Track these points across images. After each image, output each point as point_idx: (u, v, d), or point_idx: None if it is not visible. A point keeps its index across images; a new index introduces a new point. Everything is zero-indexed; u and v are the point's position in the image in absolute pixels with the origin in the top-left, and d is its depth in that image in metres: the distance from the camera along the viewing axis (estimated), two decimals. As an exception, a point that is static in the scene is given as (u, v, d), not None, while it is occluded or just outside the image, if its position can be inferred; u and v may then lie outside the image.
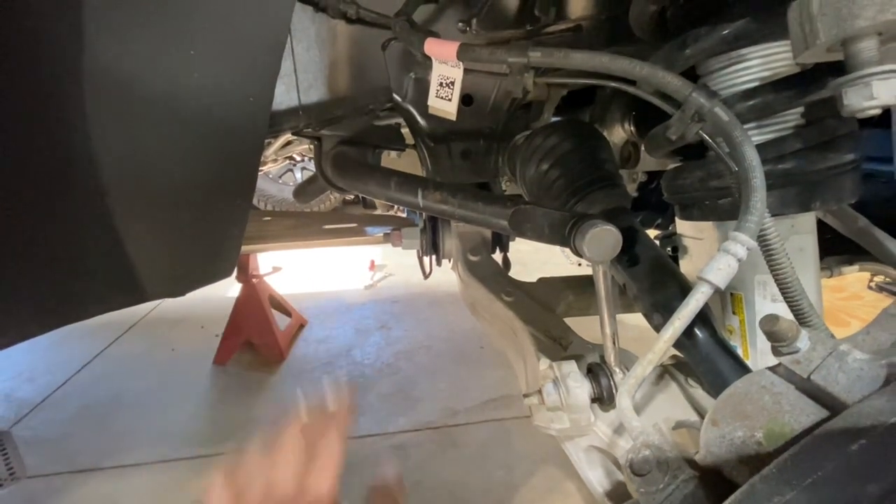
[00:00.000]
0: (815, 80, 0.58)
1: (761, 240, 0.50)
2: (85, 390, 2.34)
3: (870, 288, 2.91)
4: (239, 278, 2.56)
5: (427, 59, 0.75)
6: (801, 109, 0.64)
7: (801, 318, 0.51)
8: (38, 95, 0.56)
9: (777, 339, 0.35)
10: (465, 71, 0.68)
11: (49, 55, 0.55)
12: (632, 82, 0.59)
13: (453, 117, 0.73)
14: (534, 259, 3.70)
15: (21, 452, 1.85)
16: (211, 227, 0.78)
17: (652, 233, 1.43)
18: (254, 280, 2.58)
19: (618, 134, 1.12)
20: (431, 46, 0.67)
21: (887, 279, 2.81)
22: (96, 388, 2.34)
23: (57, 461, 1.84)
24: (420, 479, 1.72)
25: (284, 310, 2.86)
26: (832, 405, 0.31)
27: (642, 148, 1.15)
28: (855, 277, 2.88)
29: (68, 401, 2.26)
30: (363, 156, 0.99)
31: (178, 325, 3.04)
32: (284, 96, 0.81)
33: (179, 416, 2.12)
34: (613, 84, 0.61)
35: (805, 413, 0.33)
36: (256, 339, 2.55)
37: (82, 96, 0.58)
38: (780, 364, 0.37)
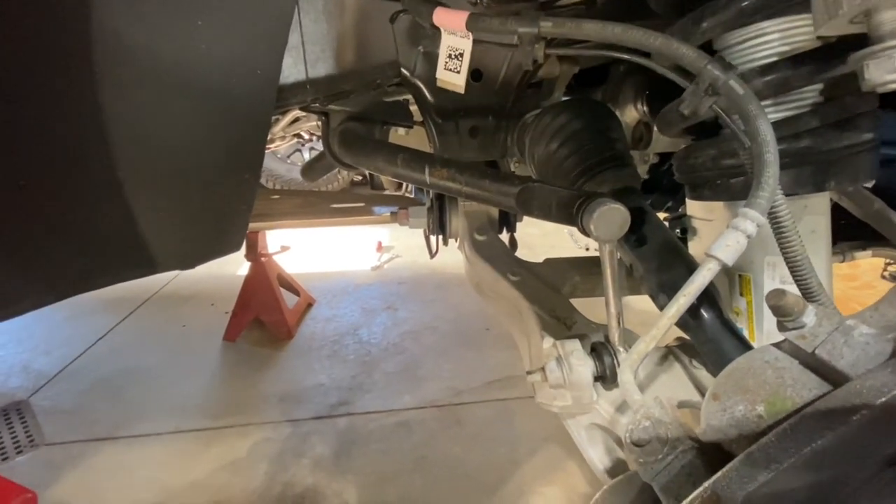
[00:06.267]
0: (835, 56, 0.56)
1: (772, 216, 0.49)
2: (99, 363, 2.40)
3: (883, 277, 2.86)
4: (248, 257, 2.59)
5: (436, 32, 0.73)
6: (819, 86, 0.62)
7: (809, 296, 0.50)
8: (48, 68, 0.56)
9: (783, 313, 0.35)
10: (475, 43, 0.67)
11: (59, 27, 0.55)
12: (645, 55, 0.58)
13: (462, 90, 0.72)
14: (542, 243, 3.68)
15: (39, 421, 1.93)
16: (219, 201, 0.78)
17: (662, 215, 1.41)
18: (262, 259, 2.61)
19: (630, 114, 1.09)
20: (440, 16, 0.65)
21: (902, 268, 2.76)
22: (110, 361, 2.40)
23: (74, 430, 1.90)
24: (424, 454, 1.75)
25: (293, 288, 2.89)
26: (836, 379, 0.31)
27: (654, 129, 1.13)
28: (868, 266, 2.84)
29: (84, 373, 2.32)
30: (371, 132, 0.99)
31: (188, 301, 3.08)
32: (292, 69, 0.80)
33: (191, 389, 2.17)
34: (626, 56, 0.59)
35: (807, 387, 0.33)
36: (265, 316, 2.59)
37: (92, 68, 0.58)
38: (784, 340, 0.36)
